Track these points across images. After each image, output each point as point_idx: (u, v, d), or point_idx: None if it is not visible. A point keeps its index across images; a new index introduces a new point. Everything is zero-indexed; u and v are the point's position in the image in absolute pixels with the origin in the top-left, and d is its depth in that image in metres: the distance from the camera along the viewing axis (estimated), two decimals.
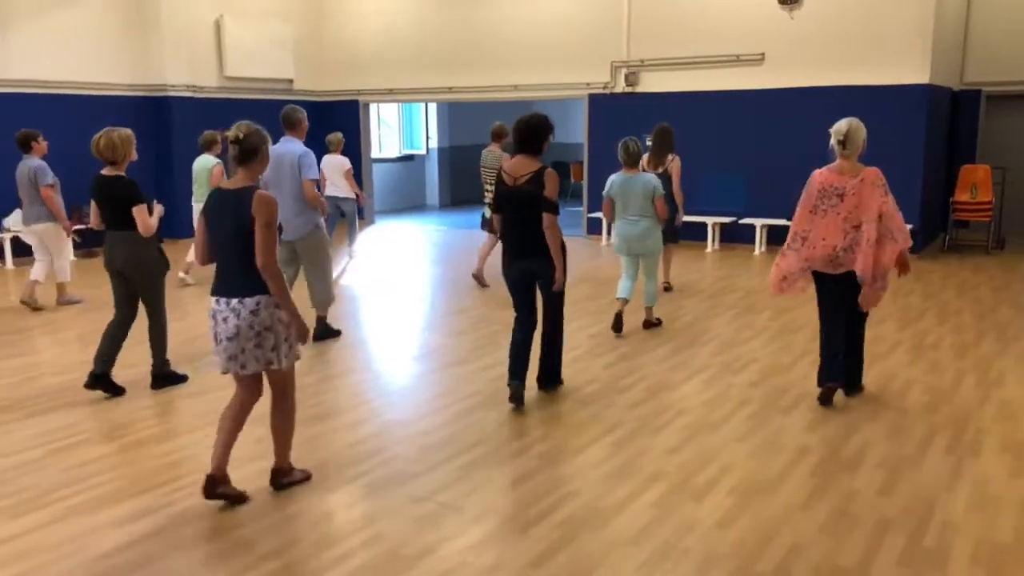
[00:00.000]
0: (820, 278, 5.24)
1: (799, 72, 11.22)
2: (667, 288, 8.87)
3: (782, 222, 11.45)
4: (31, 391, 5.69)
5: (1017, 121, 12.51)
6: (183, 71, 12.90)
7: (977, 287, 9.06)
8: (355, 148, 15.23)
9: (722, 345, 6.72)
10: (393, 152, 17.95)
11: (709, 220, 11.87)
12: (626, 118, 12.43)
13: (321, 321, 6.99)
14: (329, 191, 11.14)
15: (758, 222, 11.63)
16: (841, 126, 5.06)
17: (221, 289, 3.88)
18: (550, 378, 5.62)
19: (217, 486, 3.93)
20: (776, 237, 11.63)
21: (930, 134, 10.91)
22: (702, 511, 3.87)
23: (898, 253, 5.05)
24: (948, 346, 6.65)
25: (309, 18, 15.08)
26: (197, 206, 9.26)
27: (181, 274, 9.19)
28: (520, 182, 5.12)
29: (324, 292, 6.92)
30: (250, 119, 3.96)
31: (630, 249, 7.13)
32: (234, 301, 3.81)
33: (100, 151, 5.47)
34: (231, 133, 3.86)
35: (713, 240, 11.97)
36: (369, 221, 15.45)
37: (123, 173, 5.57)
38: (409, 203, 17.38)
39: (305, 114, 6.97)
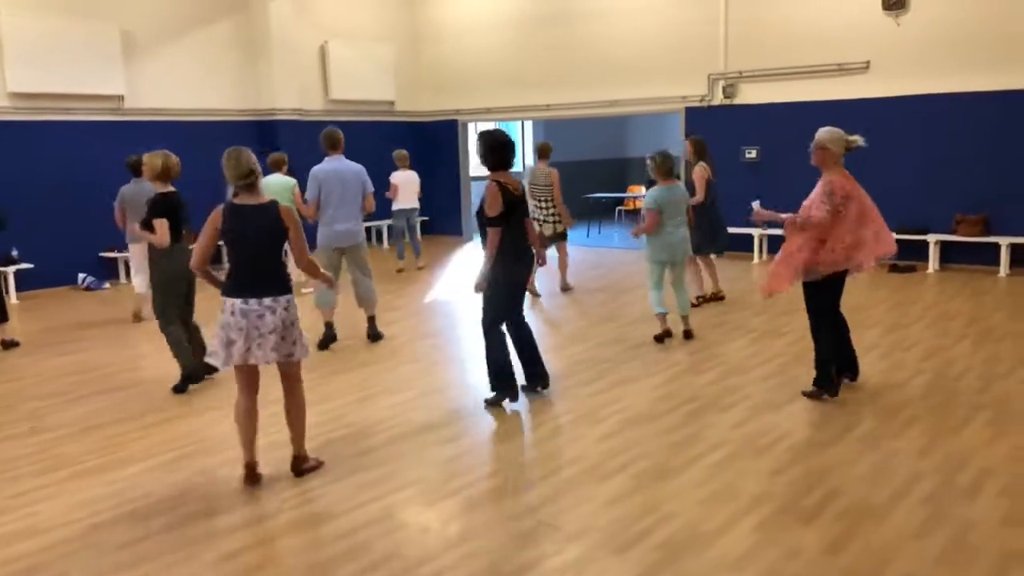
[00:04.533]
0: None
1: (907, 80, 10.79)
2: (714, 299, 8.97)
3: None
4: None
5: None
6: (291, 95, 13.46)
7: None
8: (454, 166, 15.50)
9: None
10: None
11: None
12: (724, 131, 12.23)
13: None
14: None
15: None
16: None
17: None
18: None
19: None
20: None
21: None
22: (809, 536, 3.74)
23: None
24: None
25: (408, 41, 15.49)
26: None
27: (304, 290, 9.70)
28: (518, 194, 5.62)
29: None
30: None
31: (676, 257, 7.36)
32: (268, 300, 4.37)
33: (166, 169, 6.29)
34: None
35: None
36: (468, 237, 15.67)
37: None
38: None
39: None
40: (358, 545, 3.79)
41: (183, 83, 12.45)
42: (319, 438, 5.12)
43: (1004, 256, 10.29)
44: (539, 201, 9.40)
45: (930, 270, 10.69)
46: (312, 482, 4.49)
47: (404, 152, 12.04)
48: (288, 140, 13.27)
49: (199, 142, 12.56)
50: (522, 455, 4.85)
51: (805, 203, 5.45)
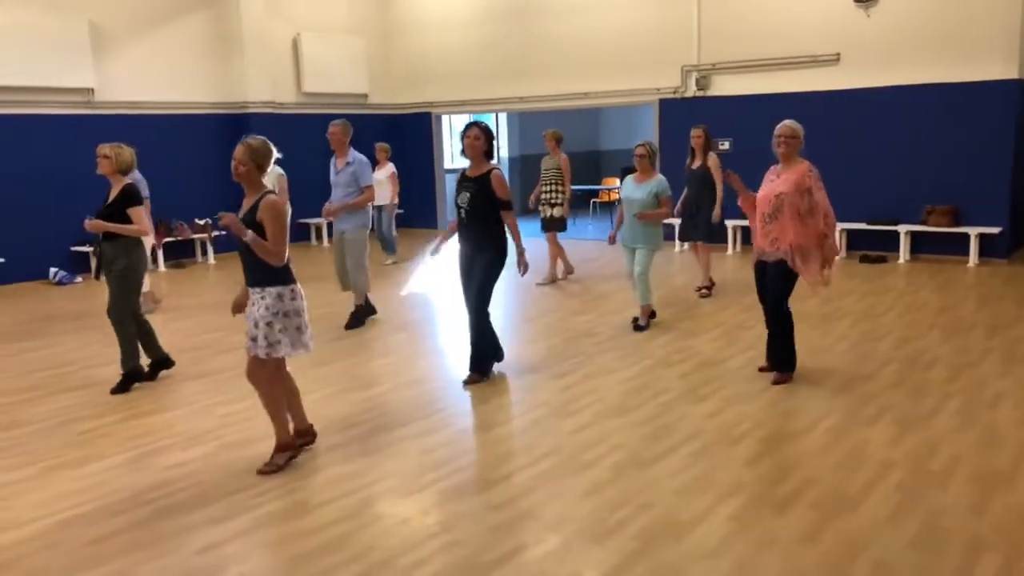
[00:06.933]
0: None
1: (877, 71, 10.92)
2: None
3: (861, 225, 11.16)
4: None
5: None
6: (264, 89, 13.33)
7: None
8: (428, 159, 15.46)
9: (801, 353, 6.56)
10: (465, 163, 18.09)
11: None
12: (697, 122, 12.23)
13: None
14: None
15: (838, 226, 11.32)
16: None
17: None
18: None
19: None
20: (856, 240, 11.31)
21: (1020, 132, 10.47)
22: (783, 525, 3.79)
23: None
24: None
25: (382, 33, 15.40)
26: None
27: None
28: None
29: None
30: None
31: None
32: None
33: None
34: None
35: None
36: (443, 230, 15.61)
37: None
38: None
39: None
40: (338, 537, 3.78)
41: (155, 76, 12.28)
42: None
43: (973, 246, 10.45)
44: (547, 186, 9.94)
45: (900, 260, 10.83)
46: (289, 475, 4.47)
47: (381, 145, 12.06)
48: (261, 133, 13.10)
49: (172, 135, 12.46)
50: (498, 447, 4.86)
51: (786, 190, 5.62)
